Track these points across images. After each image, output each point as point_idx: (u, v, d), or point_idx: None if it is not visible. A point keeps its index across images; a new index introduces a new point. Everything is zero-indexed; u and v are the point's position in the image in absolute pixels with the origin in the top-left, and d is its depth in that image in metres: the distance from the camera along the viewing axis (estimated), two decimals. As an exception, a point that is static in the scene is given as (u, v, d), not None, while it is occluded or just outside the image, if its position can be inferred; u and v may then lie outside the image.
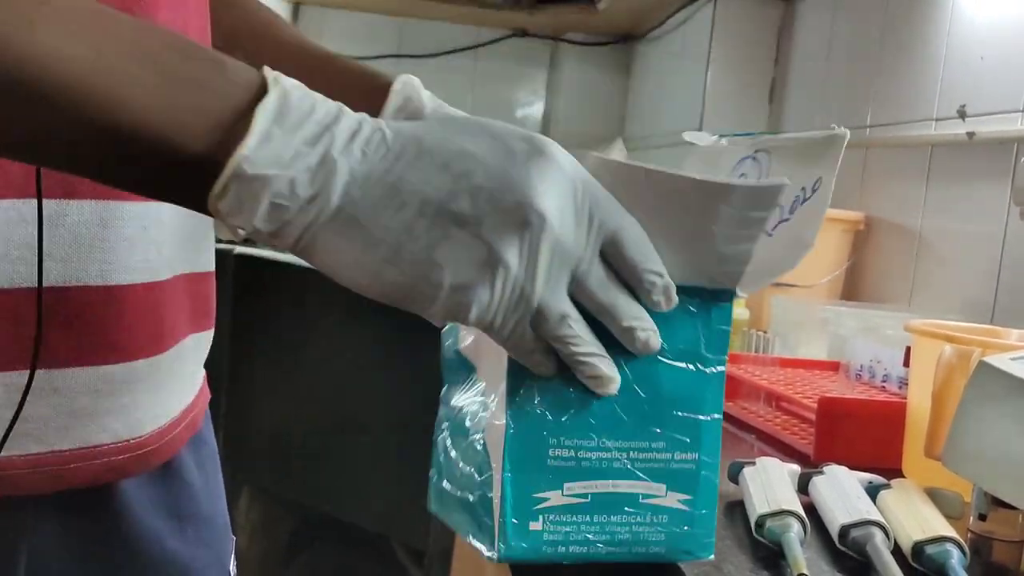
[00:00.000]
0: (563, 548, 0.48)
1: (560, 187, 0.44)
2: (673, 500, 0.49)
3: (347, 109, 0.44)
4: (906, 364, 0.88)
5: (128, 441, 0.59)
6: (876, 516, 0.63)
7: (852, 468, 0.74)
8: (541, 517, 0.48)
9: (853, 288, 1.60)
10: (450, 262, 0.43)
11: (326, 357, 2.09)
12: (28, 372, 0.53)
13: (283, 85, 0.42)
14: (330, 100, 0.44)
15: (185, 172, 0.42)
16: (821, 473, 0.72)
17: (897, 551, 0.61)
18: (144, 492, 0.63)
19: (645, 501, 0.49)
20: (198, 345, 0.65)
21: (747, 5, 2.15)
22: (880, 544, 0.59)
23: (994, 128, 1.29)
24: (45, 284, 0.53)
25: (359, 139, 0.43)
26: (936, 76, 1.46)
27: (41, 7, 0.39)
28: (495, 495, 0.48)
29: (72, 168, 0.45)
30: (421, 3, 2.76)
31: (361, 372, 2.27)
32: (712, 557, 0.51)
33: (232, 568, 0.71)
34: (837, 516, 0.64)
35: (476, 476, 0.49)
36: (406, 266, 0.42)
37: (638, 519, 0.49)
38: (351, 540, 2.43)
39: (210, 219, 0.52)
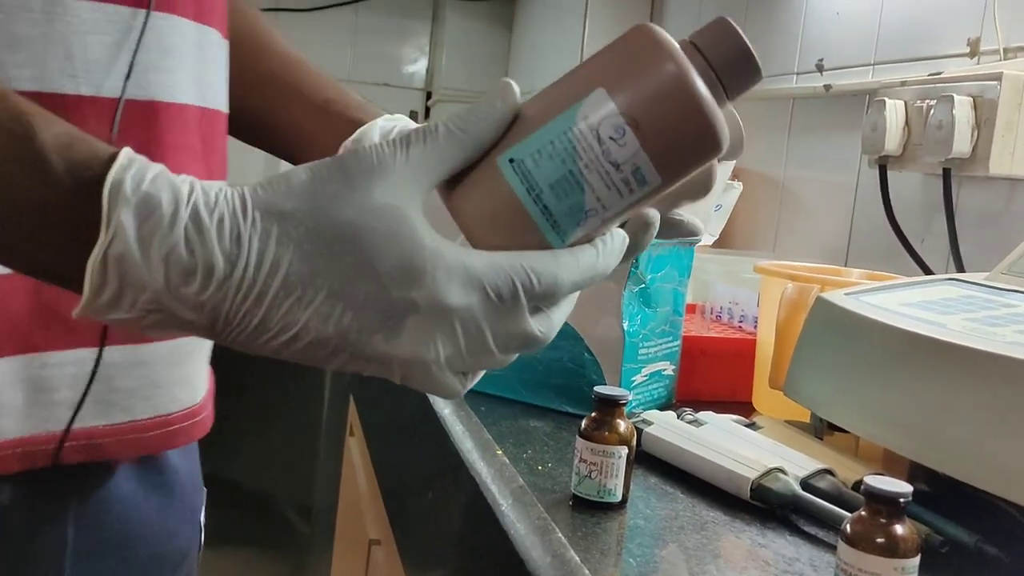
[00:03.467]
0: None
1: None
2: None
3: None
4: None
5: (191, 408, 0.65)
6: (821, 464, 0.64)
7: (708, 403, 0.79)
8: None
9: (725, 236, 1.66)
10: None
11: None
12: (97, 350, 0.57)
13: (119, 232, 0.37)
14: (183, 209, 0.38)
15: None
16: (700, 424, 0.71)
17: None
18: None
19: None
20: None
21: (623, -39, 2.18)
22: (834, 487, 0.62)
23: (848, 81, 1.35)
24: None
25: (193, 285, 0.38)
26: (797, 31, 1.52)
27: None
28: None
29: None
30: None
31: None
32: None
33: (202, 519, 0.76)
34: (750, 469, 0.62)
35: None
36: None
37: None
38: (234, 499, 2.42)
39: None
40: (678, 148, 0.41)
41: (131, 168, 0.38)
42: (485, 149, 0.42)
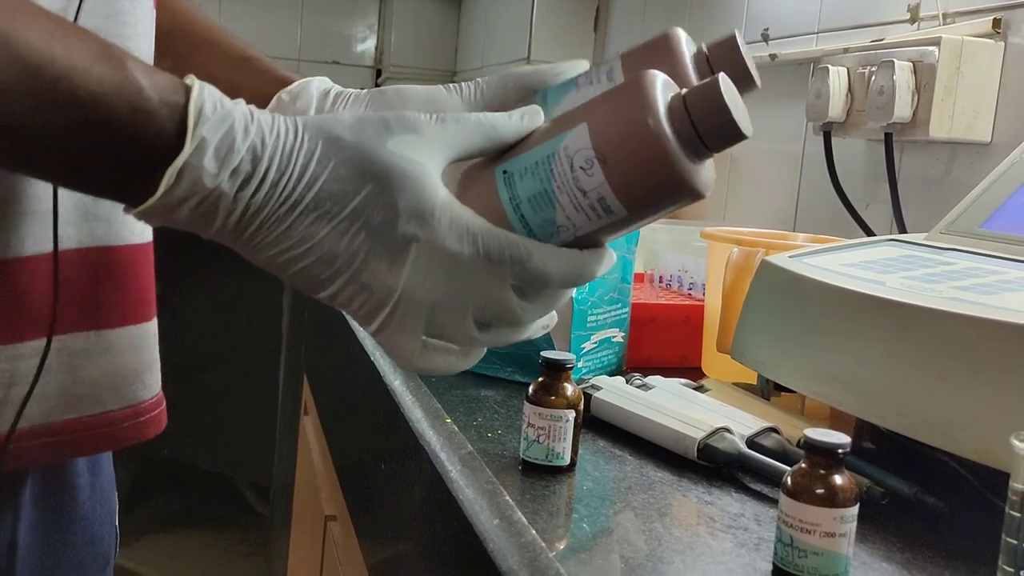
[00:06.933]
0: None
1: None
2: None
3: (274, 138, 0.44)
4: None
5: (156, 395, 0.64)
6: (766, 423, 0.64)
7: (658, 369, 0.79)
8: None
9: (674, 208, 1.67)
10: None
11: (163, 298, 2.04)
12: (44, 340, 0.55)
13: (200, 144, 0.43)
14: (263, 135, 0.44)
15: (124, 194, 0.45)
16: (648, 388, 0.72)
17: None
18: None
19: None
20: None
21: (570, -66, 2.17)
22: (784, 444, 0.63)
23: (793, 50, 1.36)
24: (86, 246, 0.57)
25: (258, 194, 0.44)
26: (743, 1, 1.52)
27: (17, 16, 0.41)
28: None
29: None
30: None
31: (200, 313, 2.23)
32: None
33: (116, 523, 0.72)
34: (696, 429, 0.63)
35: None
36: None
37: None
38: (193, 482, 2.41)
39: None
40: (641, 188, 0.46)
41: (204, 91, 0.44)
42: (502, 146, 0.48)
